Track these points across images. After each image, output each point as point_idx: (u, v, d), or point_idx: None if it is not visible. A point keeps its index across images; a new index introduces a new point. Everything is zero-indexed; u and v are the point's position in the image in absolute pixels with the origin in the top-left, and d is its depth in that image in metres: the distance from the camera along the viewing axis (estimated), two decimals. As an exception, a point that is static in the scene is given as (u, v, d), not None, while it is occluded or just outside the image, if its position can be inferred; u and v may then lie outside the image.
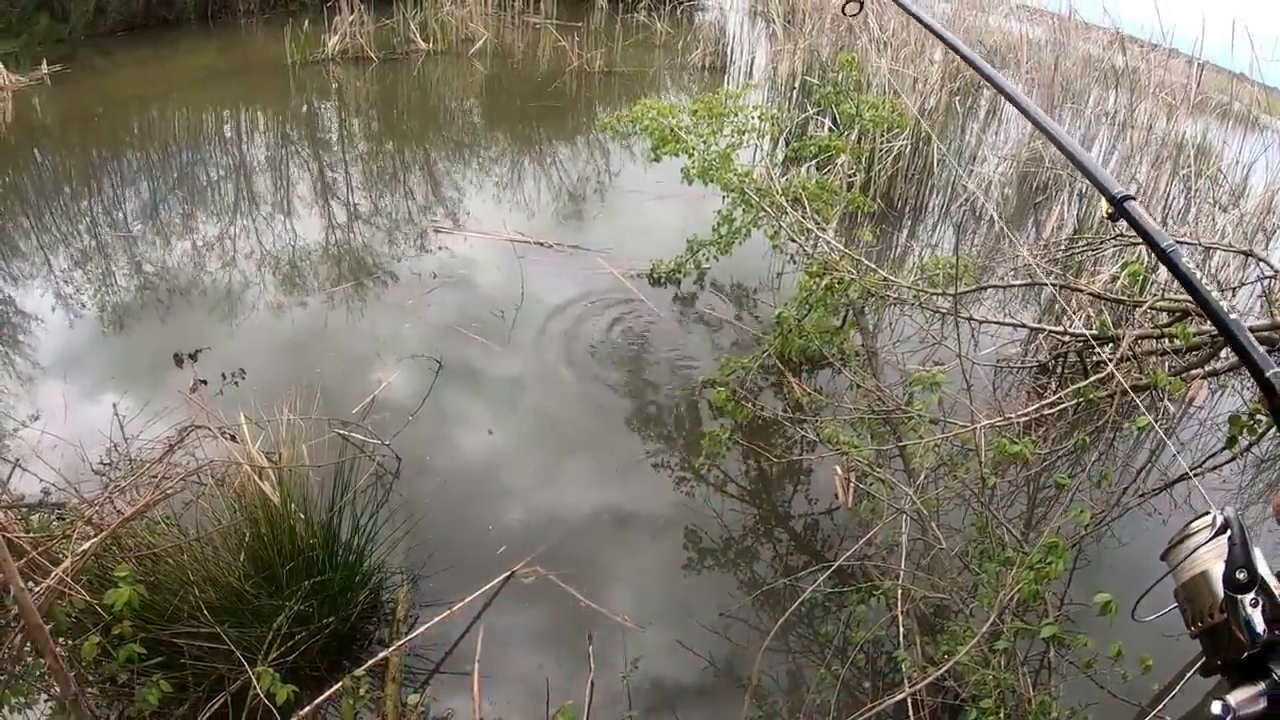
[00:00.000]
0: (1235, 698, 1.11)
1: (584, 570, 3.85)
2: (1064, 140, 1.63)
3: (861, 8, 1.58)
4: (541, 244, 6.66)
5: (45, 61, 9.59)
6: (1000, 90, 1.85)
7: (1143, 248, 5.35)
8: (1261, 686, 1.12)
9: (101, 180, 7.72)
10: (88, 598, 2.73)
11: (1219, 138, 7.87)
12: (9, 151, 8.14)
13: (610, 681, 3.33)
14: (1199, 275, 1.47)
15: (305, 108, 10.01)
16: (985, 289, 4.86)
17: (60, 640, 2.92)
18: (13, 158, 8.03)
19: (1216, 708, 1.10)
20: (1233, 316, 1.34)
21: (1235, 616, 1.14)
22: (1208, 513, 1.25)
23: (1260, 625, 1.12)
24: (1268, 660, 1.13)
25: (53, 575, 2.74)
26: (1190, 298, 1.46)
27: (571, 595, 3.68)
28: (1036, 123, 1.71)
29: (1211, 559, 1.22)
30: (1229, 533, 1.19)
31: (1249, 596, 1.13)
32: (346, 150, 8.77)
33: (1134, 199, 1.48)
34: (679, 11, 13.61)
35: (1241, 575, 1.14)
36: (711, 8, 14.82)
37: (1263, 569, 1.15)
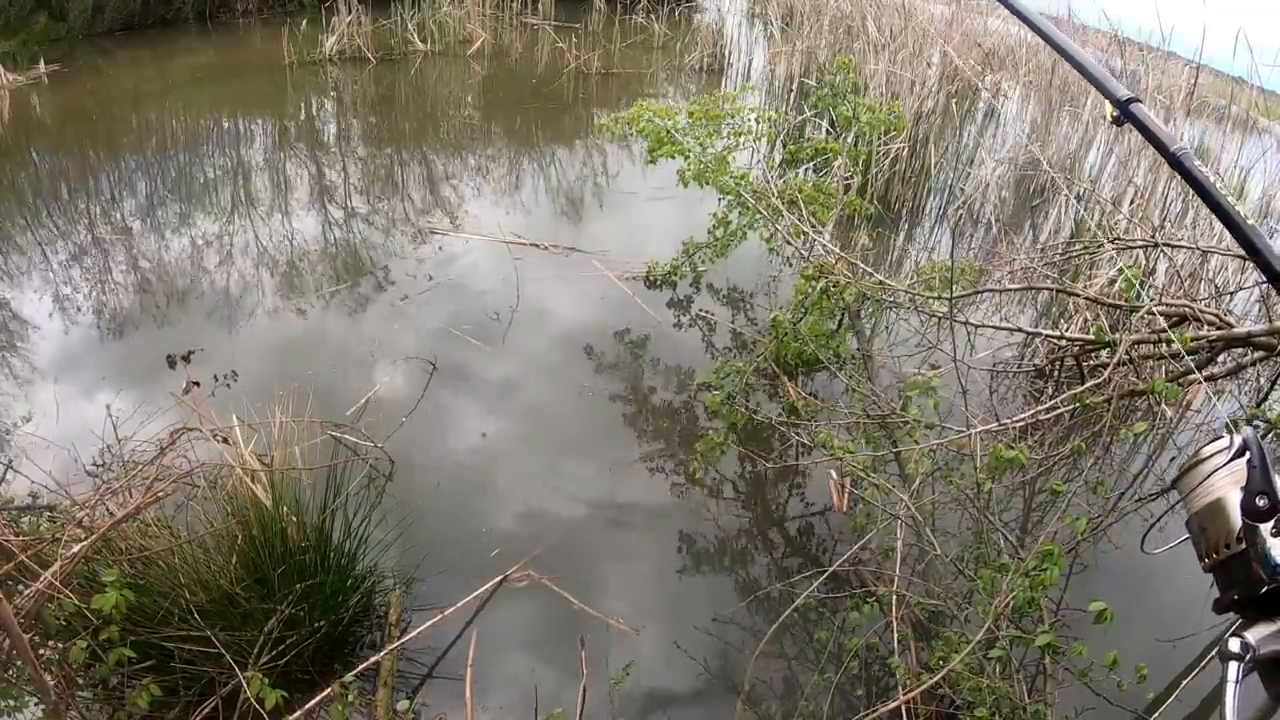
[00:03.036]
0: (1254, 635, 1.02)
1: (578, 573, 3.84)
2: (1063, 43, 1.54)
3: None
4: (537, 246, 6.64)
5: (43, 60, 9.59)
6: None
7: (1140, 251, 5.35)
8: None
9: (99, 180, 7.70)
10: (76, 601, 2.71)
11: (1217, 141, 7.86)
12: (6, 150, 8.12)
13: (604, 686, 3.32)
14: (1213, 180, 1.34)
15: (302, 108, 10.00)
16: (981, 293, 4.85)
17: (50, 643, 2.91)
18: (10, 157, 8.01)
19: (1235, 645, 0.99)
20: (1250, 222, 1.24)
21: (1254, 547, 1.04)
22: (1221, 436, 1.15)
23: None
24: None
25: (41, 579, 2.72)
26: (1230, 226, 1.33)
27: (566, 598, 3.66)
28: (1033, 26, 1.61)
29: (1228, 484, 1.11)
30: (1248, 455, 1.09)
31: (1269, 525, 1.03)
32: (343, 151, 8.75)
33: (1140, 101, 1.38)
34: (677, 13, 13.60)
35: (1262, 502, 1.04)
36: (709, 9, 14.82)
37: None
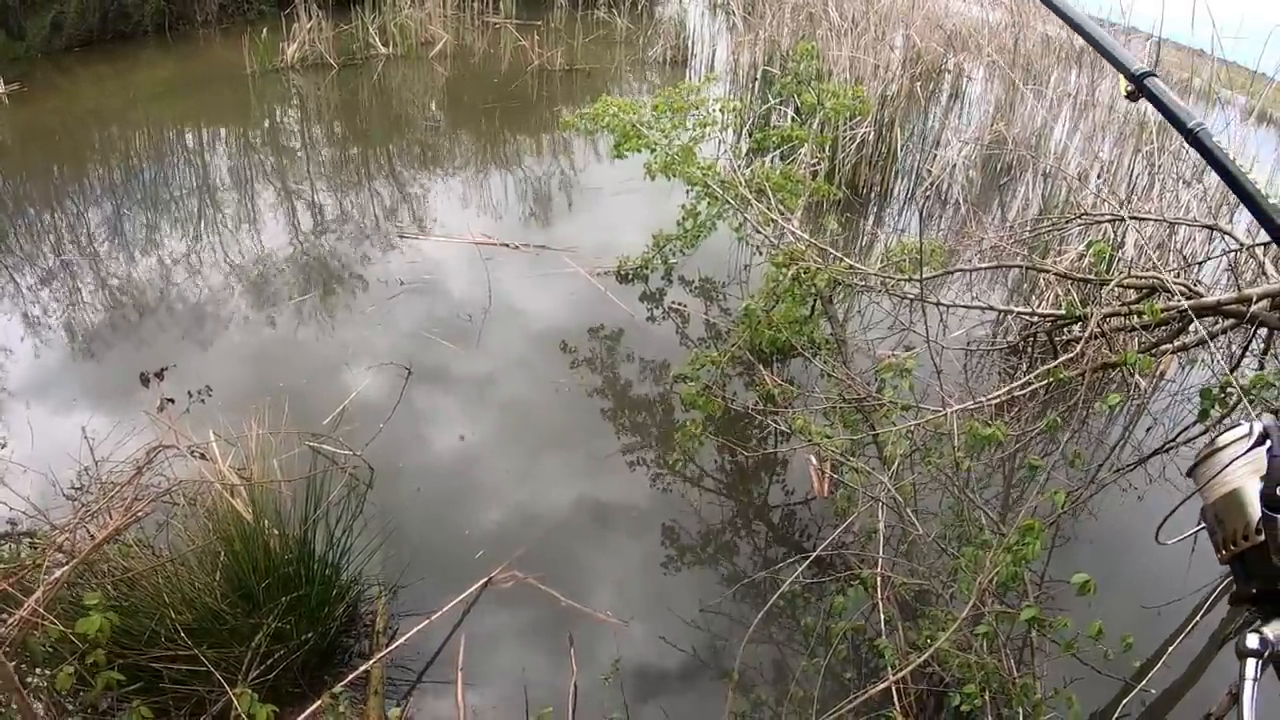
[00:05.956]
0: (1273, 630, 0.99)
1: (564, 569, 3.85)
2: (1077, 17, 1.46)
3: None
4: (507, 245, 6.63)
5: (2, 81, 9.47)
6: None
7: (1108, 225, 5.38)
8: None
9: (64, 198, 7.61)
10: (61, 627, 2.69)
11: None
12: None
13: (595, 681, 3.32)
14: (1230, 158, 1.27)
15: (266, 117, 9.92)
16: (952, 273, 4.87)
17: (38, 670, 2.89)
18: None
19: (1253, 641, 0.96)
20: (1271, 200, 1.19)
21: (1274, 539, 1.00)
22: (1240, 423, 1.12)
23: None
24: None
25: (25, 606, 2.70)
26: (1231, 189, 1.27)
27: (553, 595, 3.67)
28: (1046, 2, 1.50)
29: (1247, 474, 1.07)
30: (1269, 443, 1.04)
31: None
32: (309, 159, 8.69)
33: (1155, 75, 1.33)
34: (639, 7, 13.55)
35: None
36: (671, 1, 14.78)
37: None
